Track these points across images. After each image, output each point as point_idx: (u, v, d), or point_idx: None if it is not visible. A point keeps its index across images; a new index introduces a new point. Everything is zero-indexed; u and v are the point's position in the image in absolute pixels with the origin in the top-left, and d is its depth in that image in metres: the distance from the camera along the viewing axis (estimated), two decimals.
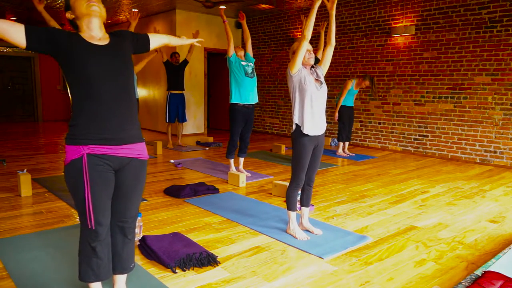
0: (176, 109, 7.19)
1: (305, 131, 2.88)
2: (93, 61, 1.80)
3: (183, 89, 7.23)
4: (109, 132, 1.84)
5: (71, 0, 1.85)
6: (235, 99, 4.84)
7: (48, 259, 2.59)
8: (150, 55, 6.57)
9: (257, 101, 4.98)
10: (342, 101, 6.45)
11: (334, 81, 7.97)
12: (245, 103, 4.84)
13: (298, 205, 3.33)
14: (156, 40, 2.20)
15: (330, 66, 7.98)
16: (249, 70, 4.80)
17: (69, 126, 1.87)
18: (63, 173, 2.00)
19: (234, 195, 4.22)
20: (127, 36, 2.01)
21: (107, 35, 1.91)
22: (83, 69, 1.79)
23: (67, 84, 1.86)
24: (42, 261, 2.56)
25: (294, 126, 2.95)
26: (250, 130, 5.07)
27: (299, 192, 3.13)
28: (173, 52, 7.14)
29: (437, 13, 6.41)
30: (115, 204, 1.98)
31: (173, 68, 7.00)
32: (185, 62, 7.04)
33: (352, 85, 6.38)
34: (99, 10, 1.84)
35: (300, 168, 2.96)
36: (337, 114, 6.51)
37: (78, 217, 1.86)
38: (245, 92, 4.81)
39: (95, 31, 1.86)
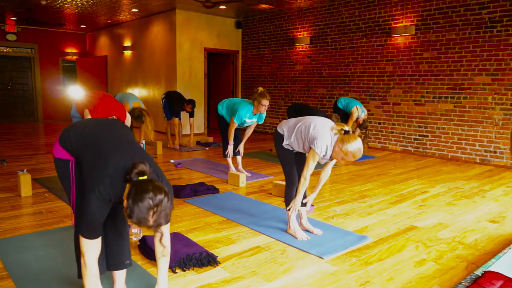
0: (173, 106, 7.14)
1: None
2: None
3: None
4: None
5: (135, 215, 1.62)
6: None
7: (48, 259, 2.59)
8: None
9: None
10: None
11: (334, 81, 7.97)
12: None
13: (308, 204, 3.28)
14: None
15: (330, 66, 8.00)
16: (245, 124, 4.92)
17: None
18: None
19: (234, 195, 4.22)
20: None
21: None
22: None
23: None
24: (42, 261, 2.56)
25: (278, 132, 3.06)
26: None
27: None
28: (190, 100, 7.07)
29: (437, 13, 6.40)
30: None
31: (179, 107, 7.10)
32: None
33: (355, 114, 6.28)
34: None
35: (288, 165, 3.07)
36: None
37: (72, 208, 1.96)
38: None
39: None
